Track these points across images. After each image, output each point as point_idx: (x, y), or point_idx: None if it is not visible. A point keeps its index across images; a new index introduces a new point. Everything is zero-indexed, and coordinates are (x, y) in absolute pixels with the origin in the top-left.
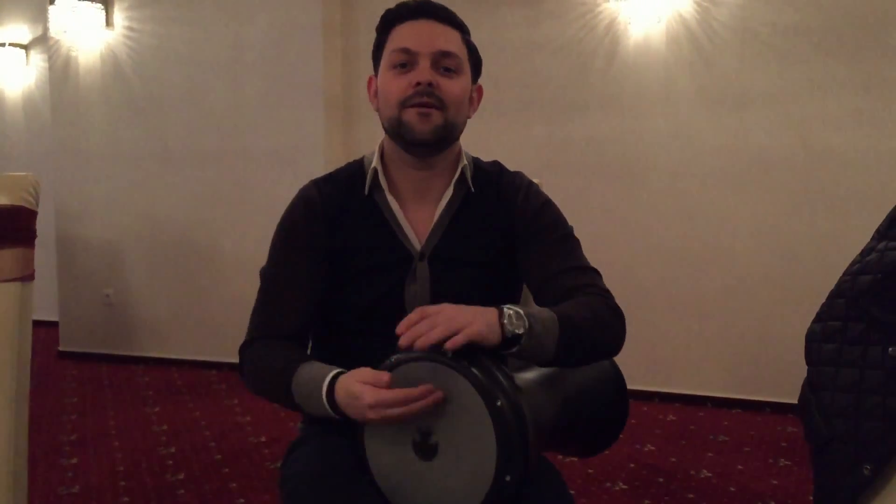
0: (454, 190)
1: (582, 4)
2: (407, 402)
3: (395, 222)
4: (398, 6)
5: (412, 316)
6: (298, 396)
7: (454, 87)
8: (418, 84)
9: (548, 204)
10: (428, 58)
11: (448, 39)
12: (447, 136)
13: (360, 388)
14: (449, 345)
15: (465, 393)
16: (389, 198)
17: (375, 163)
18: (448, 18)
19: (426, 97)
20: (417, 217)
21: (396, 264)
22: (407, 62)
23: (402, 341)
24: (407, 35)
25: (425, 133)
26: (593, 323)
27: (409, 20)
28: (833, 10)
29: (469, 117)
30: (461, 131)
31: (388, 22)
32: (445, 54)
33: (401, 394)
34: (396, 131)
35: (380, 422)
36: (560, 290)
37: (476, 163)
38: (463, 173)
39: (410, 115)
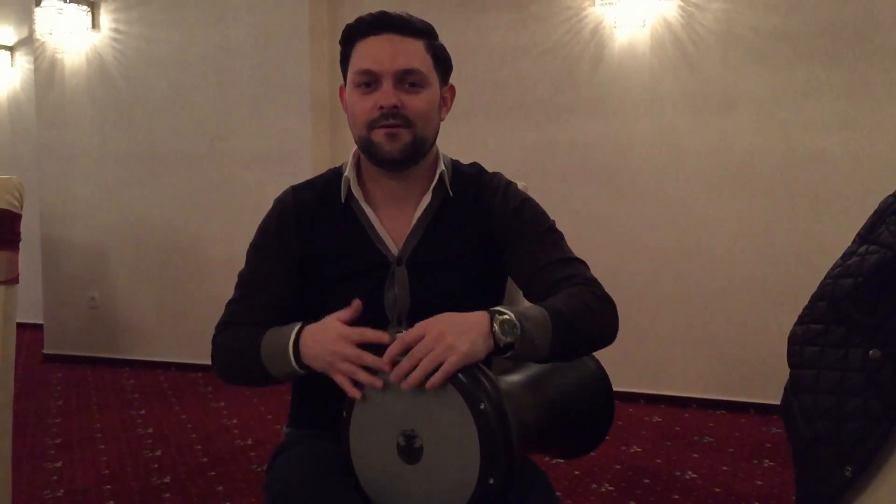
0: (432, 195)
1: (568, 9)
2: (363, 341)
3: (370, 229)
4: (357, 21)
5: (394, 347)
6: (266, 355)
7: (420, 102)
8: (382, 108)
9: (527, 201)
10: (391, 78)
11: (410, 55)
12: (417, 151)
13: (328, 320)
14: (427, 385)
15: (449, 397)
16: (364, 205)
17: (349, 172)
18: (408, 29)
19: (392, 118)
20: (394, 223)
21: (374, 270)
22: (371, 82)
23: (393, 381)
24: (368, 54)
25: (394, 153)
26: (585, 315)
27: (369, 35)
28: (816, 15)
29: (442, 119)
30: (433, 141)
31: (350, 37)
32: (408, 72)
33: (360, 332)
34: (367, 150)
35: (331, 363)
36: (548, 283)
37: (455, 166)
38: (441, 179)
39: (379, 136)
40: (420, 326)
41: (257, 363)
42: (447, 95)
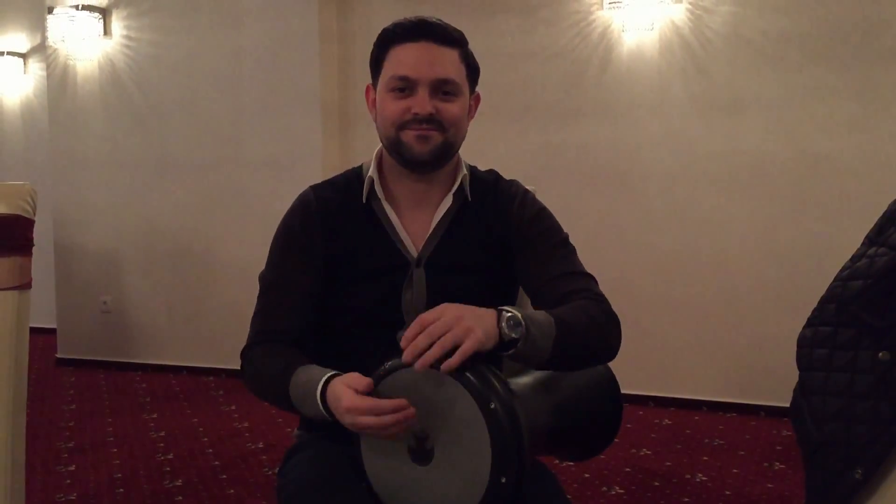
0: (453, 199)
1: (576, 13)
2: (377, 413)
3: (391, 229)
4: (396, 26)
5: (412, 328)
6: (295, 398)
7: (453, 109)
8: (417, 114)
9: (543, 211)
10: (427, 86)
11: (447, 64)
12: (445, 154)
13: (341, 389)
14: (444, 367)
15: (460, 397)
16: (386, 206)
17: (372, 172)
18: (446, 38)
19: (426, 123)
20: (414, 225)
21: (393, 270)
22: (406, 87)
23: (405, 357)
24: (405, 60)
25: (424, 154)
26: (589, 327)
27: (407, 41)
28: (824, 17)
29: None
30: (459, 145)
31: (385, 41)
32: (444, 81)
33: (372, 403)
34: (395, 150)
35: (353, 428)
36: (556, 295)
37: (473, 171)
38: (462, 183)
39: (409, 137)
40: (437, 309)
41: (288, 403)
42: (472, 103)
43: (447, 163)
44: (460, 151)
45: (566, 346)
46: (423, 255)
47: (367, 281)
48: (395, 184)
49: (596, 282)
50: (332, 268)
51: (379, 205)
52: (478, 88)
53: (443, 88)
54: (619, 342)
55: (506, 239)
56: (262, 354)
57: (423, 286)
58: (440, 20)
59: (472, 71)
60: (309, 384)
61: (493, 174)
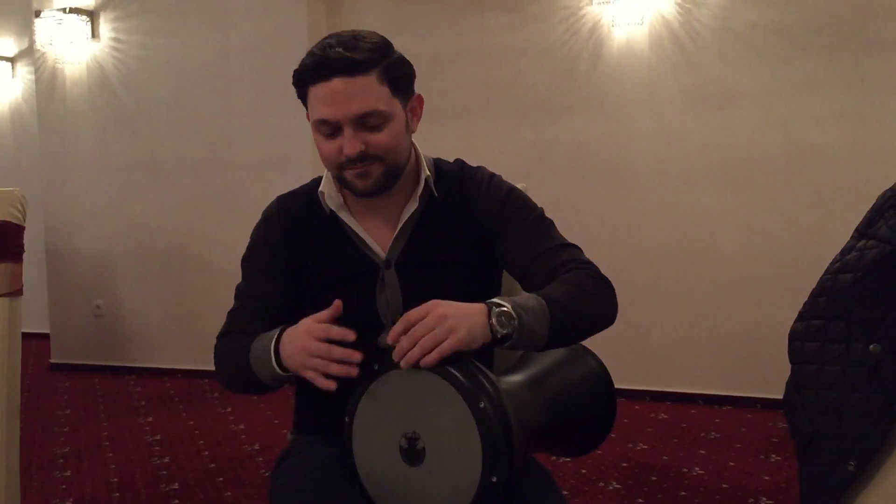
0: (418, 201)
1: (565, 8)
2: (330, 338)
3: (355, 235)
4: (302, 65)
5: (398, 326)
6: (254, 362)
7: (384, 138)
8: (347, 156)
9: (512, 192)
10: (350, 124)
11: (364, 97)
12: (391, 179)
13: (302, 322)
14: (422, 364)
15: (449, 397)
16: (346, 216)
17: (323, 186)
18: (357, 66)
19: (360, 162)
20: (381, 228)
21: (363, 275)
22: (331, 129)
23: (395, 356)
24: (322, 103)
25: (368, 188)
26: (582, 300)
27: (320, 81)
28: (814, 9)
29: (414, 131)
30: (407, 160)
31: (302, 81)
32: (366, 115)
33: (328, 328)
34: (341, 183)
35: (301, 364)
36: (543, 272)
37: (438, 165)
38: (426, 184)
39: (350, 175)
40: (424, 306)
41: (248, 369)
42: (415, 105)
43: (397, 181)
44: (448, 148)
45: (562, 326)
46: (391, 257)
47: (339, 288)
48: (353, 196)
49: (581, 250)
50: (302, 277)
51: (343, 213)
52: (469, 85)
53: (367, 122)
54: (616, 305)
55: (478, 228)
56: (227, 342)
57: (395, 287)
58: (350, 37)
59: (399, 82)
60: (265, 339)
61: (458, 164)
